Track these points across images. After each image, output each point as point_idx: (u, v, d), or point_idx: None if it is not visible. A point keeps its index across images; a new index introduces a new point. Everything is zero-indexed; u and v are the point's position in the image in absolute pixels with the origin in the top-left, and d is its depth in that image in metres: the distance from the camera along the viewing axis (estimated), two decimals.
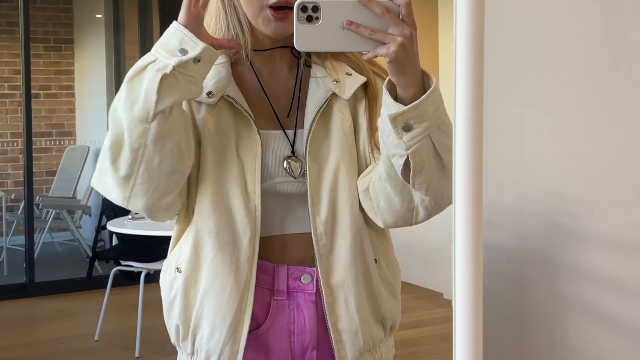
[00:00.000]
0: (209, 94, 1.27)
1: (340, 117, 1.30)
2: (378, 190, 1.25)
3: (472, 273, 0.65)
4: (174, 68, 1.13)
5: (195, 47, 1.14)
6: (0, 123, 7.52)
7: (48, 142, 7.70)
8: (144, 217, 1.33)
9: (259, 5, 1.25)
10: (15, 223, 6.90)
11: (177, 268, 1.30)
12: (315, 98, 1.29)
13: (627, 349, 1.42)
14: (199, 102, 1.28)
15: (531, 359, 1.65)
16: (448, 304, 5.09)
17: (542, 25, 1.62)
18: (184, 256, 1.29)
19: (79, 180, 7.01)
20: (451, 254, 0.66)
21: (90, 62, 7.63)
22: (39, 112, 7.59)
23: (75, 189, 7.05)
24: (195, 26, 1.17)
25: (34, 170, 5.92)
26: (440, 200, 1.21)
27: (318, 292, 1.28)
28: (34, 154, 5.94)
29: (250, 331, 1.27)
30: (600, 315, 1.47)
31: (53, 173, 7.47)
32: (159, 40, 1.18)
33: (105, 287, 4.43)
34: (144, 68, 1.16)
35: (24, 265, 5.71)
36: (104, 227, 4.46)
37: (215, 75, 1.28)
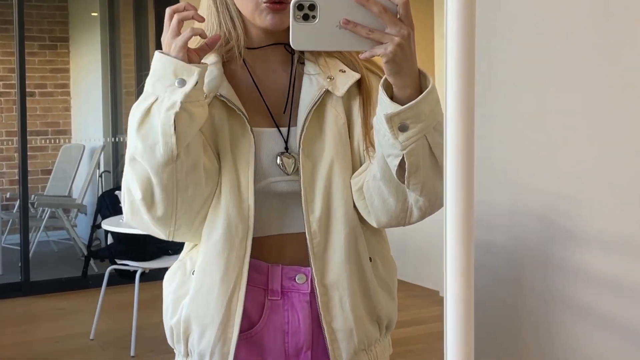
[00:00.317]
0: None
1: (334, 114, 1.29)
2: (372, 189, 1.24)
3: (463, 273, 0.65)
4: (182, 103, 1.12)
5: (191, 73, 1.13)
6: None
7: (43, 141, 7.69)
8: None
9: (254, 0, 1.24)
10: (10, 222, 6.90)
11: (192, 271, 1.30)
12: (309, 95, 1.28)
13: (621, 347, 1.42)
14: None
15: (525, 357, 1.65)
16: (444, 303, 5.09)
17: (536, 23, 1.62)
18: (196, 257, 1.30)
19: (75, 178, 6.99)
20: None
21: (86, 60, 7.61)
22: (35, 110, 7.57)
23: (70, 188, 7.03)
24: (180, 51, 1.15)
25: (29, 169, 5.91)
26: (435, 201, 1.20)
27: (313, 292, 1.28)
28: (29, 153, 5.92)
29: (243, 331, 1.27)
30: (594, 313, 1.47)
31: (49, 172, 7.46)
32: (150, 76, 1.17)
33: (101, 286, 4.42)
34: (149, 111, 1.15)
35: (20, 264, 5.70)
36: (99, 226, 4.45)
37: (207, 76, 1.26)
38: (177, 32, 1.15)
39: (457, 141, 0.66)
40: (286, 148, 1.28)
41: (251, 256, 1.26)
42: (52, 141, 7.73)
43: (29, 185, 5.88)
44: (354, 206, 1.28)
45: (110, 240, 4.67)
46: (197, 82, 1.13)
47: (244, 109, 1.26)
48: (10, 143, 7.46)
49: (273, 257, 1.30)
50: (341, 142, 1.28)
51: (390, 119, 1.10)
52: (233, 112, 1.26)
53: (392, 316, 1.36)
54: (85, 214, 6.90)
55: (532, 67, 1.62)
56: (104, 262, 4.82)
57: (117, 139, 6.96)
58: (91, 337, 4.47)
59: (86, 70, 7.59)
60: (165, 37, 1.16)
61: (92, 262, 5.43)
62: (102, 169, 7.06)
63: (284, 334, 1.29)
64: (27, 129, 5.76)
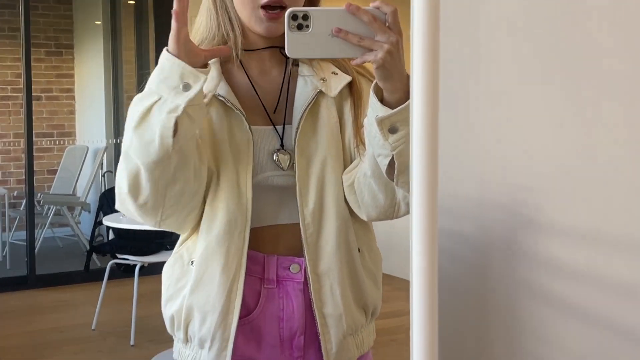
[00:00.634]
0: None
1: (327, 114, 1.30)
2: (363, 186, 1.26)
3: (427, 264, 0.66)
4: (184, 107, 1.10)
5: (197, 79, 1.11)
6: (4, 124, 7.48)
7: (49, 142, 7.67)
8: None
9: (251, 5, 1.25)
10: (17, 219, 6.88)
11: (191, 262, 1.30)
12: (304, 95, 1.30)
13: (582, 333, 1.44)
14: None
15: (492, 344, 1.67)
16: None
17: (502, 17, 1.63)
18: (195, 250, 1.30)
19: (79, 178, 6.98)
20: None
21: (90, 66, 7.60)
22: (41, 113, 7.56)
23: (75, 187, 7.02)
24: (189, 53, 1.12)
25: (35, 169, 5.90)
26: None
27: (306, 281, 1.29)
28: (35, 154, 5.92)
29: (241, 318, 1.28)
30: (558, 301, 1.49)
31: (54, 171, 7.44)
32: (156, 73, 1.13)
33: (102, 279, 4.42)
34: (150, 109, 1.12)
35: (26, 259, 5.69)
36: (101, 223, 4.45)
37: None
38: (185, 35, 1.12)
39: (422, 136, 0.67)
40: (282, 145, 1.30)
41: (248, 247, 1.27)
42: (58, 142, 7.71)
43: (35, 185, 5.87)
44: (345, 200, 1.30)
45: (111, 236, 4.67)
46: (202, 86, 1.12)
47: (242, 108, 1.27)
48: (17, 144, 7.45)
49: (269, 247, 1.31)
50: (334, 140, 1.30)
51: (380, 121, 1.11)
52: (231, 111, 1.27)
53: (377, 303, 1.38)
54: (89, 211, 6.89)
55: (500, 63, 1.63)
56: (105, 257, 4.81)
57: (119, 141, 6.95)
58: (93, 327, 4.47)
59: (90, 76, 7.57)
60: (172, 35, 1.12)
61: (94, 256, 5.42)
62: (104, 169, 7.05)
63: (279, 320, 1.31)
64: (34, 131, 5.75)
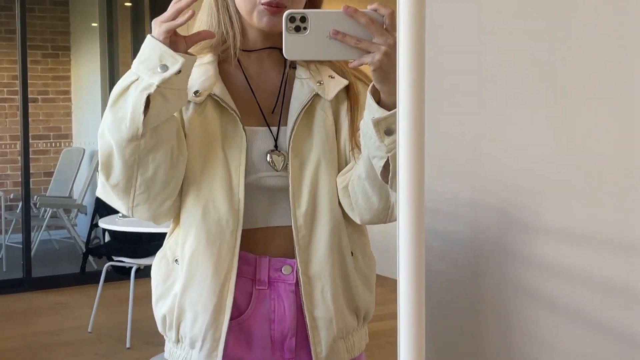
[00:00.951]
0: (196, 92, 1.26)
1: (322, 117, 1.30)
2: (357, 188, 1.25)
3: (414, 267, 0.66)
4: (158, 86, 1.11)
5: (175, 62, 1.12)
6: (0, 126, 7.48)
7: (46, 145, 7.67)
8: None
9: (252, 1, 1.25)
10: (14, 221, 6.88)
11: (176, 260, 1.30)
12: (300, 97, 1.29)
13: (574, 332, 1.44)
14: (187, 101, 1.27)
15: (485, 343, 1.67)
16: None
17: (493, 14, 1.63)
18: (179, 248, 1.30)
19: (75, 180, 6.98)
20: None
21: (86, 68, 7.60)
22: (37, 115, 7.55)
23: (71, 189, 7.02)
24: (163, 34, 1.14)
25: (32, 171, 5.90)
26: None
27: (297, 283, 1.29)
28: (32, 156, 5.91)
29: (232, 319, 1.28)
30: (550, 301, 1.49)
31: (50, 174, 7.44)
32: (138, 56, 1.15)
33: (99, 281, 4.42)
34: (127, 88, 1.14)
35: (22, 262, 5.69)
36: (97, 225, 4.45)
37: (202, 74, 1.28)
38: (168, 18, 1.14)
39: (408, 137, 0.67)
40: (276, 146, 1.29)
41: (240, 248, 1.27)
42: (54, 145, 7.71)
43: (31, 187, 5.87)
44: (339, 203, 1.30)
45: (107, 238, 4.67)
46: (179, 71, 1.12)
47: (237, 108, 1.27)
48: (14, 147, 7.44)
49: (260, 249, 1.30)
50: (328, 143, 1.30)
51: (377, 123, 1.12)
52: (226, 111, 1.27)
53: (370, 308, 1.38)
54: (85, 213, 6.88)
55: (491, 62, 1.64)
56: (101, 259, 4.81)
57: None
58: (89, 329, 4.47)
59: (86, 78, 7.57)
60: (158, 19, 1.15)
61: (90, 259, 5.42)
62: None
63: (270, 322, 1.30)
64: (30, 134, 5.74)
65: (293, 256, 1.29)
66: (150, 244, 4.30)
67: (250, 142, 1.28)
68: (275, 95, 1.33)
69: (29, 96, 5.75)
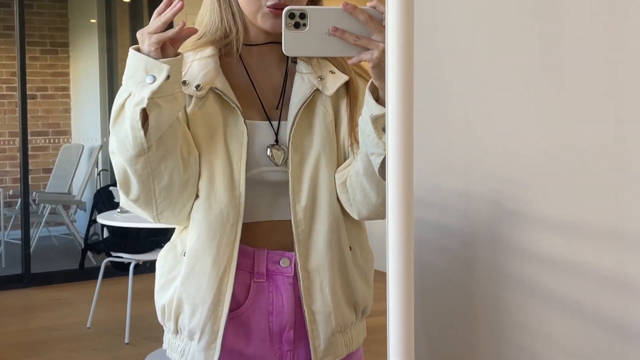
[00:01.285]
0: (198, 86, 1.26)
1: (322, 112, 1.31)
2: (355, 184, 1.26)
3: (404, 252, 0.66)
4: (150, 99, 1.12)
5: (161, 70, 1.13)
6: None
7: (45, 141, 7.66)
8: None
9: (257, 4, 1.26)
10: (13, 218, 6.88)
11: (184, 252, 1.31)
12: (300, 92, 1.30)
13: (567, 324, 1.45)
14: (189, 95, 1.28)
15: (478, 335, 1.68)
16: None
17: (485, 8, 1.64)
18: (186, 240, 1.31)
19: (74, 176, 6.98)
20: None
21: (85, 64, 7.59)
22: (36, 112, 7.55)
23: (70, 185, 7.02)
24: (153, 46, 1.14)
25: (31, 168, 5.90)
26: None
27: (296, 276, 1.30)
28: (31, 152, 5.91)
29: (230, 311, 1.28)
30: (543, 292, 1.50)
31: (49, 170, 7.44)
32: (125, 72, 1.16)
33: (97, 277, 4.42)
34: (122, 106, 1.16)
35: (21, 258, 5.69)
36: (96, 220, 4.45)
37: (203, 68, 1.28)
38: (157, 30, 1.14)
39: (397, 131, 0.68)
40: (276, 140, 1.29)
41: (240, 241, 1.27)
42: (53, 141, 7.71)
43: (30, 183, 5.87)
44: (337, 198, 1.31)
45: (106, 234, 4.67)
46: (168, 77, 1.13)
47: (238, 101, 1.27)
48: (12, 143, 7.44)
49: (259, 242, 1.31)
50: (328, 138, 1.30)
51: (375, 120, 1.12)
52: (227, 105, 1.27)
53: (368, 302, 1.38)
54: (85, 210, 6.89)
55: (484, 54, 1.64)
56: (100, 255, 4.82)
57: None
58: (88, 325, 4.48)
59: (85, 74, 7.56)
60: (144, 31, 1.15)
61: (89, 255, 5.42)
62: (100, 168, 7.05)
63: (268, 314, 1.30)
64: (29, 130, 5.74)
65: (291, 249, 1.30)
66: (148, 239, 4.30)
67: (252, 136, 1.28)
68: (277, 89, 1.33)
69: (28, 92, 5.75)
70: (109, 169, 6.98)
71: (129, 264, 4.22)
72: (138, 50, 1.16)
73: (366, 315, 1.41)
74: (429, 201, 1.78)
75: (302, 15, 1.06)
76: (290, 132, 1.28)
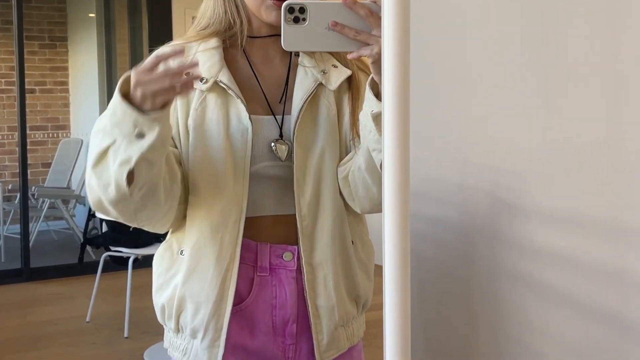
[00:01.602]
0: (202, 79, 1.24)
1: (326, 106, 1.29)
2: (357, 179, 1.26)
3: (400, 257, 0.66)
4: (137, 159, 1.06)
5: (152, 129, 1.06)
6: None
7: (44, 135, 7.66)
8: None
9: None
10: (12, 212, 6.88)
11: (181, 251, 1.29)
12: (304, 86, 1.28)
13: (565, 318, 1.45)
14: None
15: (476, 328, 1.68)
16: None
17: (483, 2, 1.63)
18: (184, 239, 1.29)
19: (73, 171, 6.98)
20: None
21: (84, 59, 7.58)
22: (35, 106, 7.54)
23: (69, 180, 7.02)
24: (149, 98, 1.06)
25: (30, 162, 5.90)
26: None
27: (299, 269, 1.29)
28: (30, 147, 5.91)
29: (234, 305, 1.27)
30: (541, 286, 1.50)
31: (48, 165, 7.44)
32: (109, 115, 1.08)
33: (97, 272, 4.42)
34: (106, 152, 1.09)
35: (20, 252, 5.69)
36: (94, 215, 4.45)
37: (207, 60, 1.26)
38: (161, 90, 1.05)
39: (393, 128, 0.67)
40: (281, 135, 1.28)
41: (243, 236, 1.26)
42: (52, 136, 7.71)
43: (29, 178, 5.87)
44: (340, 192, 1.30)
45: (105, 228, 4.67)
46: (159, 134, 1.06)
47: (242, 96, 1.25)
48: (12, 137, 7.44)
49: (262, 236, 1.30)
50: (332, 132, 1.29)
51: (376, 116, 1.12)
52: (231, 99, 1.25)
53: (369, 296, 1.38)
54: (84, 204, 6.88)
55: (480, 46, 1.63)
56: (99, 250, 4.82)
57: None
58: (87, 319, 4.48)
59: (84, 69, 7.56)
60: (140, 74, 1.05)
61: (88, 249, 5.42)
62: None
63: (272, 308, 1.30)
64: (28, 124, 5.74)
65: (294, 242, 1.29)
66: (147, 234, 4.30)
67: (256, 130, 1.26)
68: (280, 83, 1.32)
69: (27, 87, 5.73)
70: None
71: (128, 258, 4.22)
72: (127, 95, 1.07)
73: (367, 309, 1.41)
74: (426, 194, 1.78)
75: (302, 10, 1.05)
76: (295, 126, 1.27)
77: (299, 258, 1.29)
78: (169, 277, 1.31)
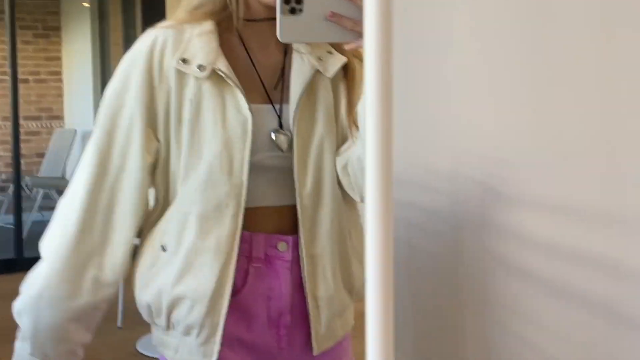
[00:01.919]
0: (200, 66, 1.18)
1: (323, 94, 1.26)
2: (357, 169, 1.24)
3: (382, 250, 0.65)
4: None
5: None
6: None
7: (37, 125, 7.63)
8: None
9: None
10: (6, 203, 6.86)
11: (162, 247, 1.24)
12: (301, 74, 1.24)
13: (556, 306, 1.45)
14: (187, 75, 1.20)
15: (465, 318, 1.68)
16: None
17: None
18: (169, 236, 1.24)
19: (67, 161, 6.96)
20: None
21: (77, 48, 7.55)
22: (29, 96, 7.51)
23: (64, 170, 7.00)
24: None
25: (24, 152, 5.88)
26: None
27: (294, 259, 1.26)
28: (24, 137, 5.89)
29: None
30: (531, 274, 1.50)
31: (42, 155, 7.42)
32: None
33: None
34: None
35: (14, 243, 5.69)
36: None
37: (204, 45, 1.20)
38: None
39: (376, 120, 0.66)
40: (280, 125, 1.25)
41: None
42: (46, 125, 7.68)
43: (23, 168, 5.86)
44: (339, 182, 1.28)
45: None
46: None
47: (240, 84, 1.20)
48: (5, 128, 7.41)
49: (256, 226, 1.25)
50: (329, 121, 1.27)
51: None
52: (229, 88, 1.20)
53: (362, 283, 1.37)
54: None
55: (472, 35, 1.63)
56: None
57: None
58: None
59: (78, 58, 7.53)
60: None
61: None
62: None
63: (267, 299, 1.27)
64: (22, 115, 5.71)
65: (288, 232, 1.26)
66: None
67: (255, 120, 1.21)
68: (275, 69, 1.28)
69: (21, 77, 5.71)
70: None
71: None
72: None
73: (359, 297, 1.39)
74: (416, 183, 1.77)
75: (298, 0, 1.03)
76: (294, 115, 1.23)
77: (295, 248, 1.26)
78: (153, 274, 1.26)
